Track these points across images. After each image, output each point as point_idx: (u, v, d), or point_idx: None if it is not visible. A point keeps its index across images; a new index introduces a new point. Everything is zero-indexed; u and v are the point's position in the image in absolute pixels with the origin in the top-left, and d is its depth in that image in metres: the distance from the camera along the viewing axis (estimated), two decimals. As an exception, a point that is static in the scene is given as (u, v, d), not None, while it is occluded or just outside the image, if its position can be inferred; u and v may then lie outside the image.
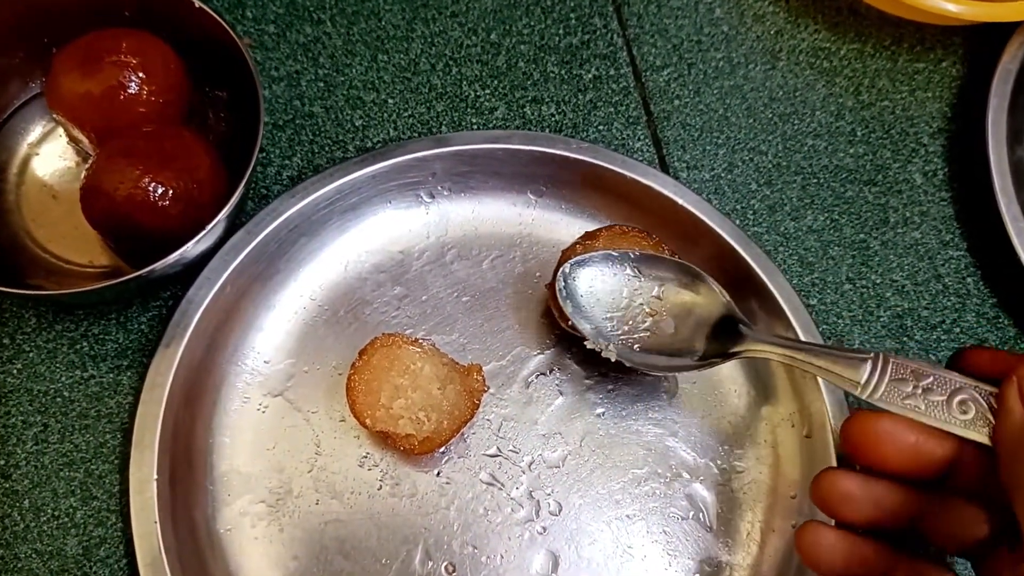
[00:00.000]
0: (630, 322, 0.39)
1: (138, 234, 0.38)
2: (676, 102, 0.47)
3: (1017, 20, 0.45)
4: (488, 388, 0.40)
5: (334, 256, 0.43)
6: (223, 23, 0.39)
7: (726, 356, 0.38)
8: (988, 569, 0.32)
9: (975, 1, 0.44)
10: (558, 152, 0.43)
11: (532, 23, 0.48)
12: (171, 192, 0.37)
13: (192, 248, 0.37)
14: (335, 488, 0.39)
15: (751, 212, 0.46)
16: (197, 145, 0.39)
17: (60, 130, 0.43)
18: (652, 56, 0.48)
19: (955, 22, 0.46)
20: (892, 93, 0.49)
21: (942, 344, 0.44)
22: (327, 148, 0.45)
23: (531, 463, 0.40)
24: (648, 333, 0.39)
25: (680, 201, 0.42)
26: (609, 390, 0.41)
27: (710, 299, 0.39)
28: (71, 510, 0.38)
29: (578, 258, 0.39)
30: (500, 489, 0.39)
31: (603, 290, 0.39)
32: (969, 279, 0.46)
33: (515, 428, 0.41)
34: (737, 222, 0.45)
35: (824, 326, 0.44)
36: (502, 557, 0.38)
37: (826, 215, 0.46)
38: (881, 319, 0.44)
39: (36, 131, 0.43)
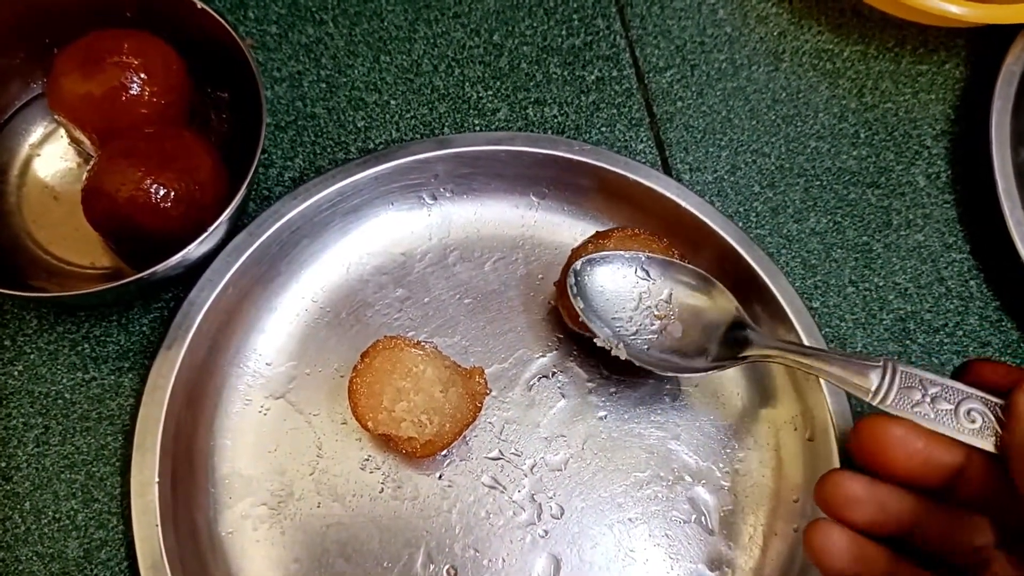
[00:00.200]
0: (639, 324, 0.39)
1: (140, 236, 0.37)
2: (679, 104, 0.47)
3: (1020, 22, 0.44)
4: (490, 391, 0.40)
5: (336, 258, 0.43)
6: (225, 24, 0.39)
7: (735, 360, 0.38)
8: None
9: (978, 3, 0.44)
10: (561, 154, 0.43)
11: (535, 24, 0.48)
12: (173, 194, 0.37)
13: (194, 250, 0.37)
14: (337, 491, 0.39)
15: (754, 214, 0.45)
16: (199, 146, 0.39)
17: (61, 131, 0.43)
18: (655, 58, 0.48)
19: (958, 24, 0.45)
20: (895, 95, 0.49)
21: (945, 347, 0.44)
22: (329, 149, 0.45)
23: (533, 466, 0.40)
24: (656, 335, 0.39)
25: (683, 203, 0.42)
26: (611, 393, 0.41)
27: (720, 304, 0.39)
28: (72, 512, 0.38)
29: (590, 256, 0.39)
30: (502, 492, 0.39)
31: (613, 290, 0.39)
32: (972, 282, 0.45)
33: (517, 431, 0.40)
34: (740, 224, 0.45)
35: (827, 329, 0.44)
36: (504, 560, 0.38)
37: (829, 217, 0.46)
38: (884, 322, 0.44)
39: (37, 132, 0.43)
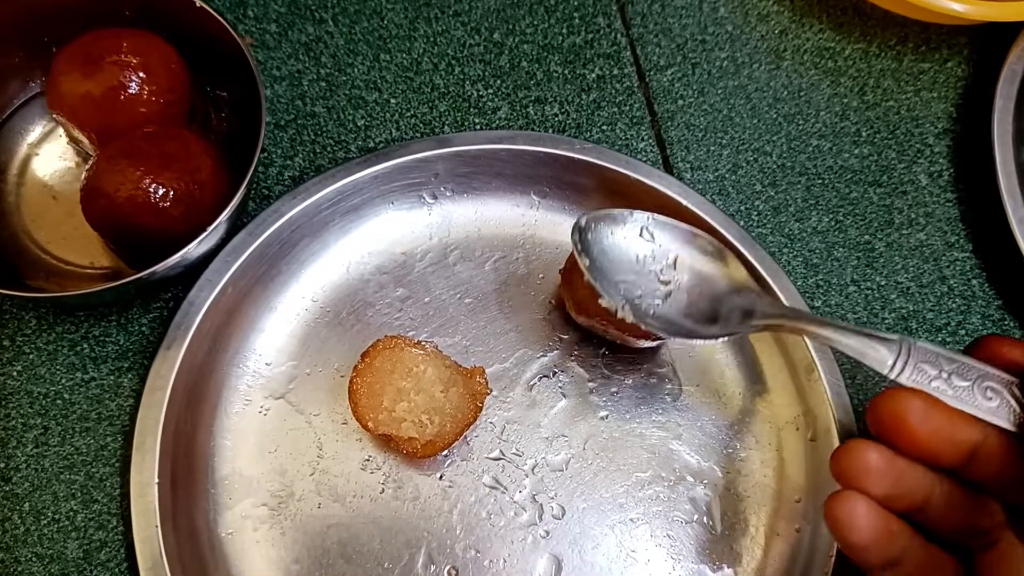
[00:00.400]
0: (644, 287, 0.38)
1: (139, 236, 0.37)
2: (680, 102, 0.47)
3: (1023, 20, 0.44)
4: (491, 391, 0.39)
5: (336, 257, 0.43)
6: (224, 22, 0.39)
7: (745, 327, 0.36)
8: (988, 564, 0.32)
9: (981, 1, 0.44)
10: (561, 153, 0.43)
11: (535, 22, 0.48)
12: (172, 193, 0.37)
13: (193, 249, 0.36)
14: (337, 491, 0.39)
15: (755, 213, 0.45)
16: (198, 146, 0.39)
17: (60, 130, 0.42)
18: (656, 56, 0.48)
19: (961, 22, 0.45)
20: (897, 93, 0.48)
21: (947, 346, 0.44)
22: (329, 148, 0.44)
23: (534, 466, 0.40)
24: (662, 300, 0.38)
25: (684, 202, 0.42)
26: (613, 393, 0.41)
27: (730, 271, 0.38)
28: (72, 513, 0.38)
29: (595, 213, 0.38)
30: (503, 492, 0.39)
31: (618, 250, 0.38)
32: (974, 281, 0.45)
33: (518, 431, 0.40)
34: (741, 223, 0.45)
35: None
36: (505, 561, 0.38)
37: (830, 216, 0.46)
38: (886, 321, 0.44)
39: (36, 131, 0.43)
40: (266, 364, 0.41)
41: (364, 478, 0.39)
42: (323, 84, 0.45)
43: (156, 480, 0.37)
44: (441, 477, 0.39)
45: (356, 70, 0.46)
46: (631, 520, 0.39)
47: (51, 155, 0.43)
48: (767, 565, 0.39)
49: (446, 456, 0.40)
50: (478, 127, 0.45)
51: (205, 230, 0.36)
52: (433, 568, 0.38)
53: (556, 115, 0.46)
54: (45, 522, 0.38)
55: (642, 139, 0.46)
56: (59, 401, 0.39)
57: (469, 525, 0.39)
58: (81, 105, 0.38)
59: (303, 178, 0.43)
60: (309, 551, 0.38)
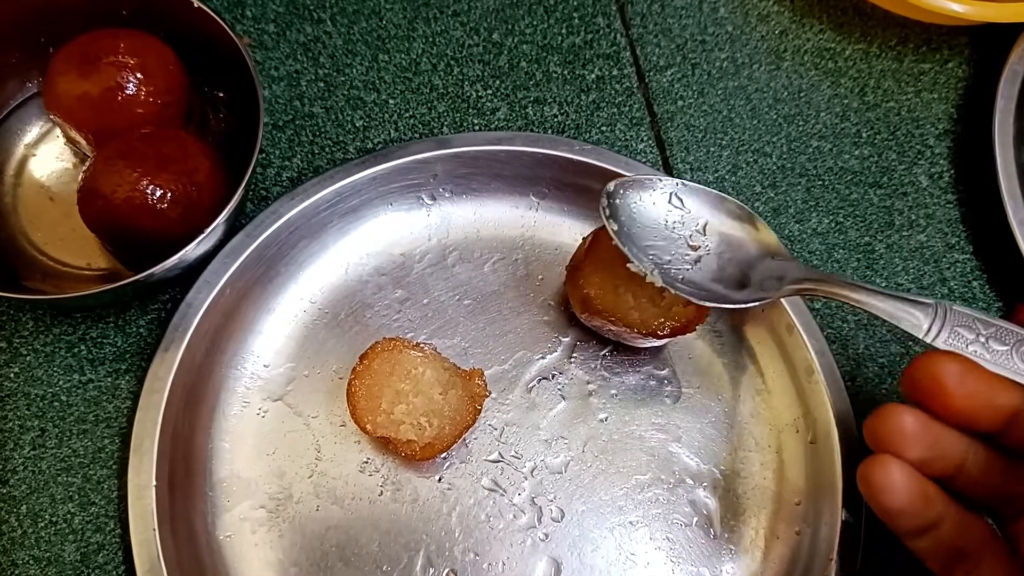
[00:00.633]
0: (672, 253, 0.37)
1: (136, 237, 0.37)
2: (680, 103, 0.47)
3: (1024, 21, 0.44)
4: (490, 393, 0.39)
5: (335, 259, 0.42)
6: (222, 23, 0.39)
7: (778, 292, 0.36)
8: (1019, 530, 0.31)
9: (981, 1, 0.44)
10: (561, 154, 0.43)
11: (535, 23, 0.47)
12: (169, 195, 0.37)
13: (191, 251, 0.36)
14: (336, 494, 0.39)
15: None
16: (196, 147, 0.39)
17: (58, 131, 0.42)
18: (656, 56, 0.48)
19: (961, 22, 0.45)
20: (898, 94, 0.48)
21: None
22: (327, 149, 0.44)
23: (533, 469, 0.40)
24: (691, 266, 0.37)
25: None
26: (612, 395, 0.41)
27: (761, 236, 0.37)
28: (69, 516, 0.38)
29: (623, 179, 0.37)
30: (502, 495, 0.39)
31: (646, 215, 0.37)
32: (975, 283, 0.45)
33: (517, 433, 0.40)
34: (741, 225, 0.44)
35: (829, 330, 0.43)
36: (504, 564, 0.38)
37: (831, 218, 0.46)
38: (887, 323, 0.44)
39: (33, 132, 0.43)
40: (264, 366, 0.40)
41: (363, 480, 0.39)
42: (321, 85, 0.45)
43: (154, 482, 0.36)
44: (440, 479, 0.39)
45: (354, 70, 0.46)
46: (630, 523, 0.39)
47: (48, 156, 0.42)
48: (767, 568, 0.39)
49: (445, 458, 0.39)
50: (477, 128, 0.45)
51: (203, 232, 0.36)
52: (432, 571, 0.38)
53: (555, 116, 0.46)
54: (42, 525, 0.38)
55: (642, 140, 0.46)
56: (56, 403, 0.39)
57: (468, 528, 0.39)
58: (78, 106, 0.38)
59: (301, 179, 0.43)
60: (308, 554, 0.38)
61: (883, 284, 0.45)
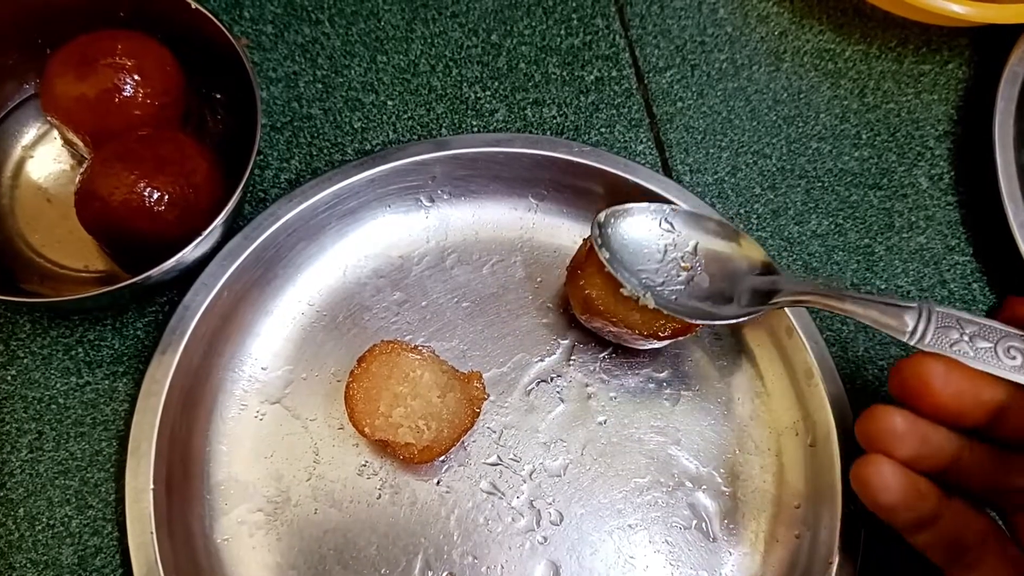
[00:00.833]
0: (665, 274, 0.38)
1: (134, 239, 0.37)
2: (679, 104, 0.47)
3: (1025, 22, 0.44)
4: (488, 396, 0.39)
5: (333, 261, 0.42)
6: (219, 24, 0.39)
7: (766, 306, 0.37)
8: (1019, 522, 0.33)
9: (982, 2, 0.43)
10: (559, 155, 0.43)
11: (533, 24, 0.47)
12: (167, 197, 0.37)
13: (189, 253, 0.36)
14: (334, 497, 0.39)
15: (755, 216, 0.45)
16: (193, 149, 0.39)
17: (55, 132, 0.42)
18: (655, 57, 0.47)
19: (962, 23, 0.45)
20: (897, 95, 0.48)
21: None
22: (326, 151, 0.44)
23: (532, 472, 0.40)
24: (683, 285, 0.38)
25: (683, 205, 0.42)
26: (611, 398, 0.41)
27: (747, 252, 0.39)
28: (66, 519, 0.38)
29: (614, 208, 0.39)
30: (501, 498, 0.39)
31: (638, 241, 0.39)
32: (975, 285, 0.45)
33: (516, 436, 0.40)
34: (741, 227, 0.44)
35: (828, 332, 0.43)
36: (502, 567, 0.38)
37: (830, 219, 0.45)
38: (886, 325, 0.44)
39: (31, 133, 0.42)
40: (262, 369, 0.40)
41: (361, 483, 0.39)
42: (319, 86, 0.45)
43: (151, 485, 0.36)
44: (438, 483, 0.39)
45: (353, 72, 0.46)
46: (629, 526, 0.39)
47: (46, 157, 0.42)
48: (766, 571, 0.39)
49: (443, 461, 0.39)
50: (476, 129, 0.45)
51: (200, 234, 0.36)
52: (430, 574, 0.38)
53: (554, 117, 0.46)
54: (40, 528, 0.38)
55: (641, 141, 0.46)
56: (54, 406, 0.39)
57: (467, 531, 0.38)
58: (75, 107, 0.38)
59: (299, 181, 0.43)
60: (305, 557, 0.38)
61: (883, 286, 0.45)
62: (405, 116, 0.45)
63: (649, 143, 0.46)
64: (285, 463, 0.39)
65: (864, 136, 0.47)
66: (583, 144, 0.44)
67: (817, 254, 0.45)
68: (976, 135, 0.47)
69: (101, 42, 0.39)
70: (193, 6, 0.39)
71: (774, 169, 0.46)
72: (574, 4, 0.48)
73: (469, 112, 0.45)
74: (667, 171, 0.45)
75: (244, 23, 0.46)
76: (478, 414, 0.38)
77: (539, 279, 0.43)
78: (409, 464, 0.39)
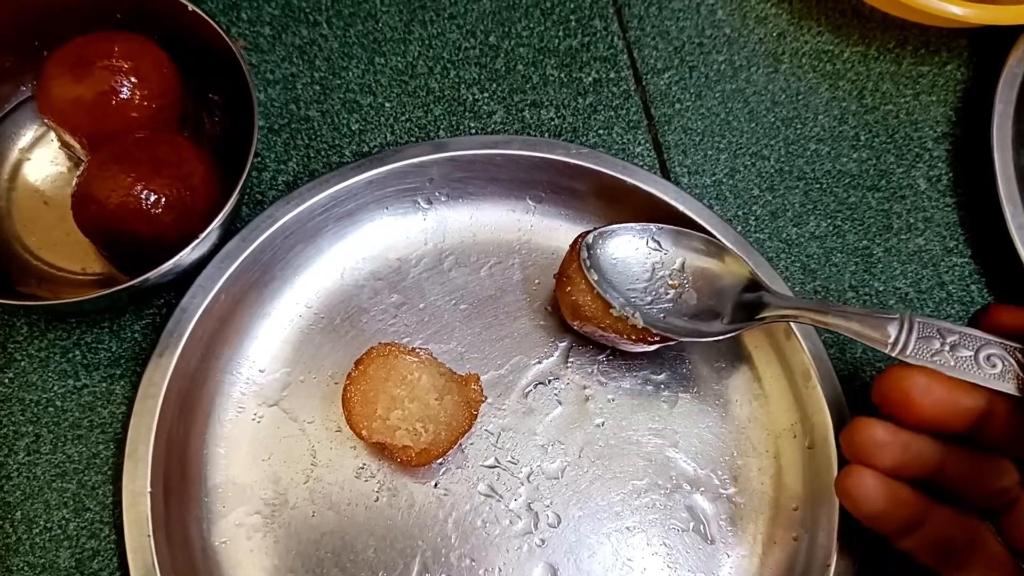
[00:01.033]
0: (654, 293, 0.39)
1: (131, 242, 0.37)
2: (677, 106, 0.47)
3: (1023, 23, 0.44)
4: (486, 398, 0.39)
5: (330, 263, 0.42)
6: (216, 26, 0.39)
7: (752, 322, 0.38)
8: (1010, 523, 0.34)
9: (980, 4, 0.43)
10: (557, 157, 0.43)
11: (531, 25, 0.47)
12: (164, 200, 0.37)
13: (186, 256, 0.36)
14: (331, 499, 0.39)
15: (753, 218, 0.45)
16: (190, 151, 0.39)
17: (52, 135, 0.42)
18: (653, 59, 0.47)
19: (960, 25, 0.45)
20: (896, 97, 0.48)
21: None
22: (323, 153, 0.44)
23: (530, 474, 0.40)
24: (671, 303, 0.39)
25: (681, 207, 0.42)
26: (609, 400, 0.41)
27: (733, 268, 0.39)
28: (64, 522, 0.38)
29: (601, 229, 0.39)
30: (498, 501, 0.39)
31: (626, 261, 0.39)
32: (973, 286, 0.45)
33: (513, 439, 0.40)
34: (739, 228, 0.44)
35: (826, 334, 0.43)
36: (500, 570, 0.38)
37: (829, 221, 0.45)
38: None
39: (27, 136, 0.42)
40: (259, 371, 0.40)
41: (358, 486, 0.39)
42: (317, 88, 0.45)
43: (149, 488, 0.36)
44: (436, 485, 0.39)
45: (350, 74, 0.46)
46: (627, 528, 0.39)
47: (42, 160, 0.42)
48: (764, 573, 0.39)
49: (441, 464, 0.39)
50: (473, 131, 0.45)
51: (197, 236, 0.36)
52: (428, 577, 0.38)
53: (552, 119, 0.46)
54: (37, 531, 0.38)
55: (639, 143, 0.46)
56: (51, 408, 0.39)
57: (464, 534, 0.38)
58: (72, 110, 0.38)
59: (297, 183, 0.43)
60: (303, 560, 0.38)
61: (881, 288, 0.44)
62: (403, 118, 0.45)
63: (647, 145, 0.46)
64: (283, 466, 0.39)
65: (862, 137, 0.47)
66: (581, 146, 0.44)
67: (815, 256, 0.45)
68: (974, 137, 0.47)
69: (98, 44, 0.39)
70: (190, 8, 0.39)
71: (772, 171, 0.46)
72: (572, 5, 0.48)
73: (467, 114, 0.45)
74: (665, 173, 0.45)
75: (242, 25, 0.46)
76: (476, 416, 0.38)
77: (537, 281, 0.43)
78: (407, 467, 0.39)
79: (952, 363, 0.32)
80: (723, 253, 0.40)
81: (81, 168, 0.38)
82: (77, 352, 0.40)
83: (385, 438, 0.37)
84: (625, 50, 0.47)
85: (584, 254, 0.38)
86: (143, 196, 0.36)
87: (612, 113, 0.46)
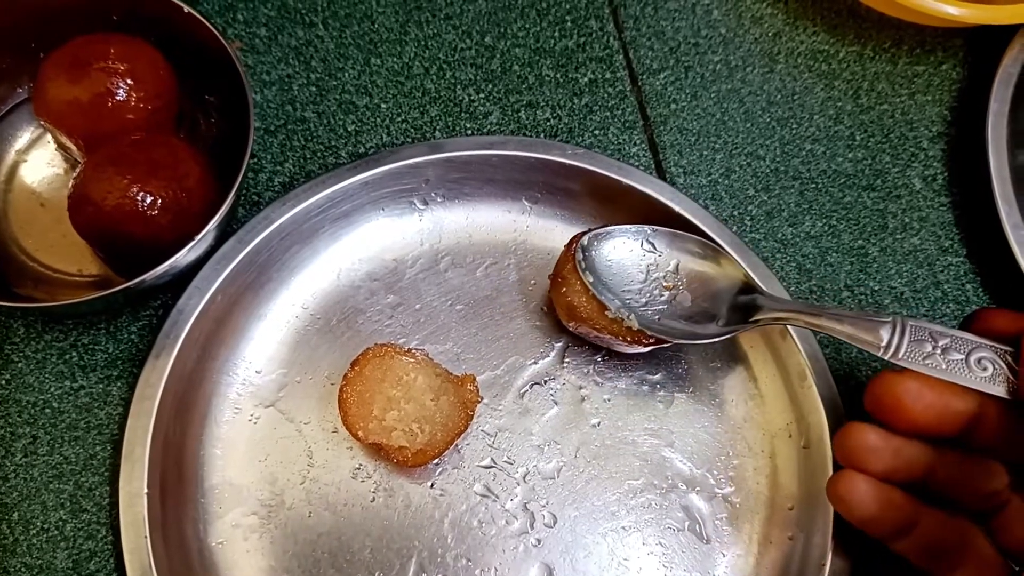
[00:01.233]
0: (648, 295, 0.39)
1: (127, 244, 0.37)
2: (673, 106, 0.47)
3: (1018, 23, 0.44)
4: (482, 399, 0.39)
5: (327, 264, 0.42)
6: (211, 27, 0.39)
7: (746, 325, 0.38)
8: (1000, 525, 0.34)
9: (975, 3, 0.43)
10: (553, 158, 0.43)
11: (527, 26, 0.47)
12: (160, 201, 0.37)
13: (182, 257, 0.36)
14: (328, 500, 0.39)
15: (748, 218, 0.45)
16: (186, 153, 0.39)
17: (48, 136, 0.42)
18: (649, 59, 0.47)
19: (956, 24, 0.45)
20: (891, 96, 0.48)
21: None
22: (319, 154, 0.44)
23: (525, 474, 0.40)
24: (666, 305, 0.39)
25: (676, 208, 0.42)
26: (605, 400, 0.41)
27: (728, 271, 0.39)
28: (60, 523, 0.38)
29: (596, 231, 0.39)
30: (494, 501, 0.39)
31: (621, 263, 0.39)
32: (968, 286, 0.45)
33: (509, 439, 0.40)
34: (734, 228, 0.44)
35: (822, 334, 0.43)
36: (496, 570, 0.38)
37: (824, 221, 0.45)
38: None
39: (24, 137, 0.42)
40: (256, 372, 0.40)
41: (355, 487, 0.39)
42: (313, 89, 0.45)
43: (145, 489, 0.36)
44: (432, 486, 0.39)
45: (346, 75, 0.46)
46: (623, 528, 0.39)
47: (39, 162, 0.42)
48: (759, 573, 0.39)
49: (437, 464, 0.39)
50: (469, 132, 0.45)
51: (194, 238, 0.36)
52: (424, 577, 0.38)
53: (548, 120, 0.46)
54: (34, 532, 0.38)
55: (635, 143, 0.46)
56: (48, 410, 0.39)
57: (460, 534, 0.39)
58: (68, 111, 0.38)
59: (293, 184, 0.43)
60: (300, 560, 0.38)
61: (876, 288, 0.45)
62: (399, 119, 0.45)
63: (643, 145, 0.46)
64: (279, 466, 0.39)
65: (858, 137, 0.47)
66: (577, 147, 0.44)
67: (811, 256, 0.45)
68: (970, 136, 0.47)
69: (94, 46, 0.39)
70: (186, 10, 0.39)
71: (768, 171, 0.46)
72: (568, 6, 0.48)
73: (463, 115, 0.45)
74: (661, 173, 0.45)
75: (238, 26, 0.46)
76: (472, 417, 0.38)
77: (533, 282, 0.43)
78: (403, 467, 0.39)
79: (944, 366, 0.33)
80: (718, 255, 0.40)
81: (77, 170, 0.38)
82: (74, 353, 0.40)
83: (381, 439, 0.37)
84: (621, 50, 0.47)
85: (579, 256, 0.38)
86: (139, 198, 0.36)
87: (608, 114, 0.46)
